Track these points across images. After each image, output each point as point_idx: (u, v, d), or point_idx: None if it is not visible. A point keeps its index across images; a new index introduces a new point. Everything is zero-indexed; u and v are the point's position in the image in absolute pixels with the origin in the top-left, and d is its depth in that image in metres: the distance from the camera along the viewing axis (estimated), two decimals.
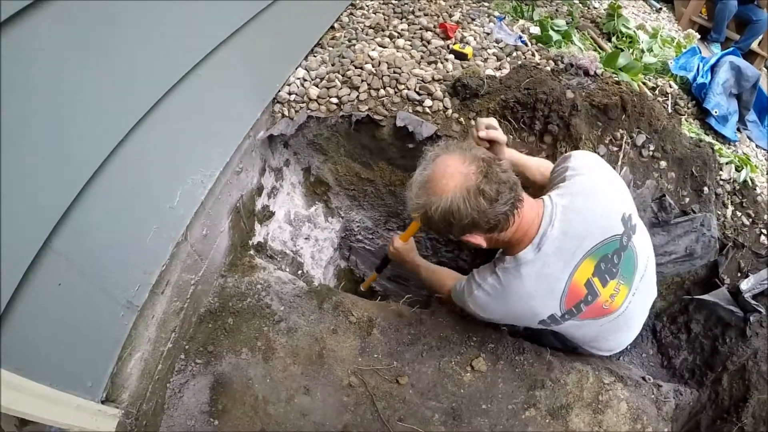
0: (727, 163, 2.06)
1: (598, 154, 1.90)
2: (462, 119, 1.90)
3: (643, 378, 1.79)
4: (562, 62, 2.15)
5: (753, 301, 1.91)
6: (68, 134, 0.97)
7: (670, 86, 2.31)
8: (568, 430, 1.58)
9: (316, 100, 1.92)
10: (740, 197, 2.05)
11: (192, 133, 1.41)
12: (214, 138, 1.54)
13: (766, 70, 3.14)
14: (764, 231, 2.00)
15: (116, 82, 1.07)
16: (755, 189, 2.03)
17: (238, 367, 1.57)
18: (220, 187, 1.61)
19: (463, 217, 1.12)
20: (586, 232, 1.24)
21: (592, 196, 1.28)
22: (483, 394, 1.60)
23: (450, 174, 1.13)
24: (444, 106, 1.92)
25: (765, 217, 2.00)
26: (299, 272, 2.07)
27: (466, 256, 2.38)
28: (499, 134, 1.39)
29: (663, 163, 1.94)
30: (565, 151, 1.88)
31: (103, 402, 1.19)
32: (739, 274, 2.03)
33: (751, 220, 2.01)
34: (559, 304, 1.30)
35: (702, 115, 2.26)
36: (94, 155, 1.04)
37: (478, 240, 1.23)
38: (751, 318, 1.94)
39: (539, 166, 1.58)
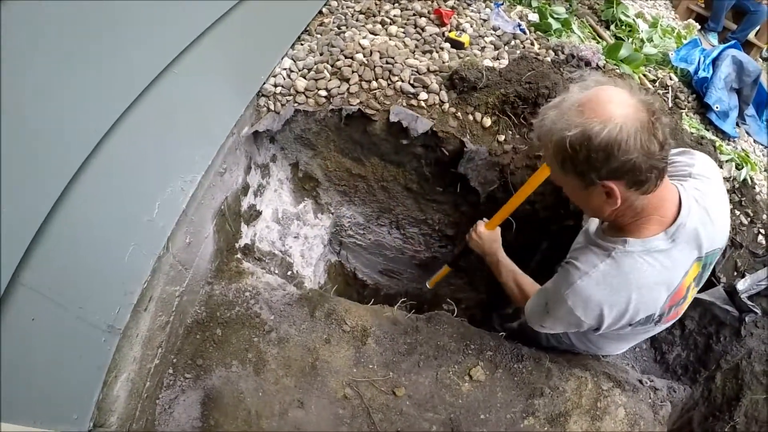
0: (727, 161, 2.01)
1: None
2: (459, 114, 1.80)
3: (640, 381, 1.77)
4: (563, 53, 2.05)
5: (749, 302, 1.90)
6: (28, 154, 0.85)
7: (671, 79, 2.24)
8: None
9: (303, 93, 1.80)
10: (739, 195, 2.01)
11: (169, 137, 1.30)
12: (195, 140, 1.42)
13: (761, 60, 3.10)
14: (762, 231, 1.97)
15: (79, 92, 0.95)
16: (754, 188, 1.99)
17: (229, 381, 1.50)
18: (203, 191, 1.49)
19: (630, 152, 0.92)
20: (708, 238, 1.13)
21: (719, 202, 1.18)
22: (481, 404, 1.55)
23: (618, 101, 0.94)
24: (440, 99, 1.81)
25: (764, 216, 1.97)
26: (289, 273, 1.98)
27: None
28: None
29: None
30: None
31: (90, 431, 1.13)
32: (735, 274, 2.00)
33: (749, 219, 1.98)
34: (663, 304, 1.17)
35: (702, 109, 2.20)
36: (59, 175, 0.93)
37: (616, 194, 1.00)
38: (747, 318, 1.92)
39: None
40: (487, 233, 1.63)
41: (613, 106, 0.93)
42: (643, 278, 1.11)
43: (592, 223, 1.29)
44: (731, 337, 2.00)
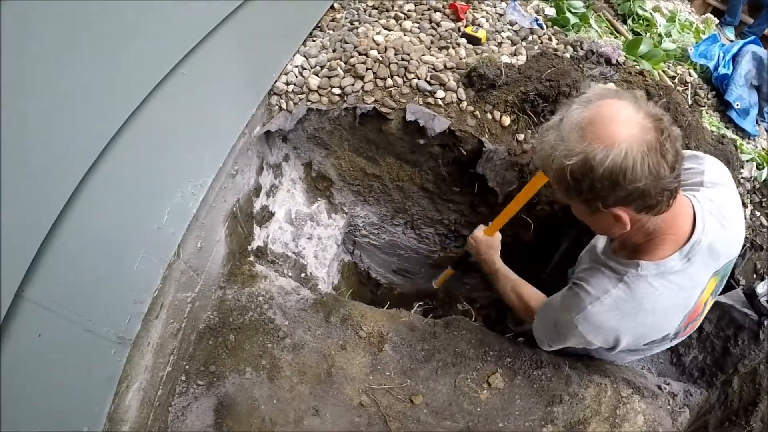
0: (748, 161, 1.96)
1: None
2: (477, 112, 1.75)
3: (659, 387, 1.74)
4: (582, 48, 1.99)
5: None
6: (31, 165, 0.81)
7: (690, 75, 2.18)
8: None
9: (316, 91, 1.74)
10: (760, 196, 1.97)
11: (178, 140, 1.25)
12: (205, 142, 1.37)
13: None
14: None
15: (83, 95, 0.91)
16: None
17: (243, 388, 1.47)
18: (214, 194, 1.45)
19: (637, 179, 0.85)
20: (725, 250, 1.08)
21: (733, 210, 1.13)
22: (500, 412, 1.52)
23: (622, 120, 0.86)
24: (458, 97, 1.76)
25: None
26: (302, 275, 1.94)
27: None
28: None
29: None
30: None
31: None
32: (755, 276, 1.97)
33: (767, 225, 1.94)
34: (679, 323, 1.13)
35: (722, 107, 2.14)
36: (63, 184, 0.89)
37: (624, 219, 0.94)
38: (766, 322, 1.89)
39: None
40: (485, 239, 1.56)
41: (616, 127, 0.86)
42: (658, 302, 1.06)
43: (600, 240, 1.23)
44: (749, 341, 1.97)
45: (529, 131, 1.75)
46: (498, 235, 1.59)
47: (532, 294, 1.46)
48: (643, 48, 2.07)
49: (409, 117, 1.68)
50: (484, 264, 1.56)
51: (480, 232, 1.58)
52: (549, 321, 1.26)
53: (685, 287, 1.07)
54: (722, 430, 1.91)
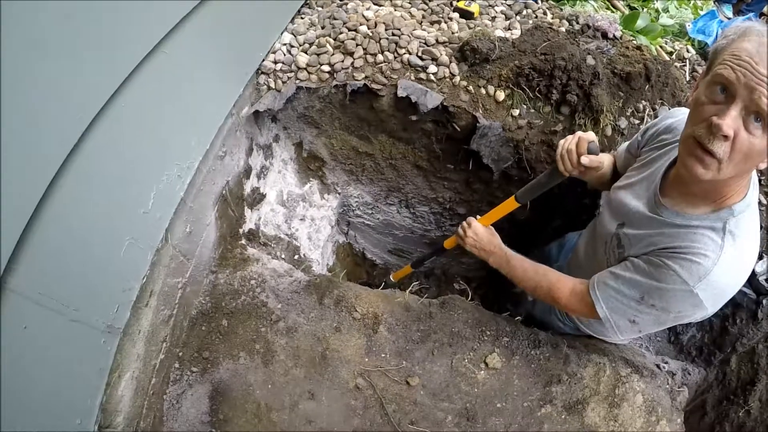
0: None
1: (619, 127, 1.74)
2: (471, 87, 1.70)
3: (658, 366, 1.72)
4: (577, 23, 1.94)
5: (767, 284, 1.84)
6: (8, 150, 0.77)
7: (688, 51, 2.13)
8: (584, 425, 1.51)
9: (305, 69, 1.69)
10: (759, 175, 1.93)
11: (162, 123, 1.20)
12: (190, 124, 1.32)
13: None
14: None
15: (61, 76, 0.86)
16: None
17: (237, 373, 1.43)
18: (202, 176, 1.40)
19: None
20: None
21: None
22: (498, 393, 1.50)
23: None
24: (450, 72, 1.71)
25: None
26: (296, 257, 1.90)
27: None
28: (603, 157, 1.14)
29: None
30: (584, 124, 1.72)
31: None
32: None
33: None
34: None
35: None
36: (43, 170, 0.85)
37: None
38: (764, 301, 1.87)
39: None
40: (484, 230, 1.45)
41: None
42: (755, 239, 1.00)
43: (647, 207, 1.11)
44: (747, 320, 1.95)
45: (524, 106, 1.70)
46: (491, 227, 1.48)
47: (556, 275, 1.31)
48: (640, 23, 2.02)
49: (401, 93, 1.64)
50: (491, 256, 1.42)
51: (478, 224, 1.46)
52: (634, 292, 1.10)
53: (756, 221, 1.02)
54: (720, 409, 1.90)
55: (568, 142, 1.19)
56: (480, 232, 1.44)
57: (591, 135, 1.17)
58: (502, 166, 1.76)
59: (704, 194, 1.02)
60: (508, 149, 1.73)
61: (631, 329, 1.15)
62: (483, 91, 1.70)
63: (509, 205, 1.40)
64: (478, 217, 1.52)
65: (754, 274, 1.90)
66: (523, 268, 1.35)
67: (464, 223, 1.51)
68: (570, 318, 1.57)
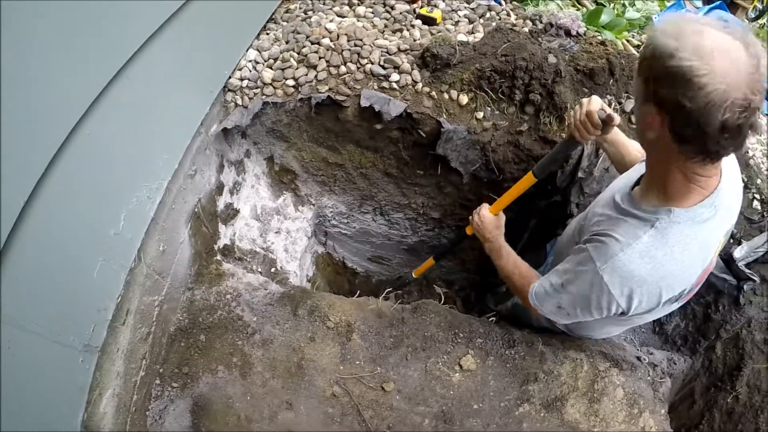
0: None
1: None
2: (434, 93, 1.72)
3: (638, 358, 1.71)
4: (541, 22, 1.96)
5: (746, 270, 1.83)
6: None
7: None
8: (563, 422, 1.51)
9: (271, 84, 1.72)
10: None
11: (129, 146, 1.23)
12: (158, 144, 1.36)
13: (747, 21, 2.99)
14: (757, 196, 1.90)
15: (26, 105, 0.90)
16: (747, 152, 1.91)
17: (216, 387, 1.46)
18: (172, 196, 1.43)
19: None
20: (735, 206, 1.05)
21: (736, 172, 1.09)
22: (474, 394, 1.50)
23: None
24: (413, 79, 1.73)
25: (758, 181, 1.90)
26: (272, 270, 1.92)
27: (448, 234, 2.25)
28: (616, 116, 1.17)
29: None
30: (549, 122, 1.73)
31: None
32: (731, 241, 1.94)
33: (743, 184, 1.90)
34: (695, 280, 1.06)
35: None
36: (13, 197, 0.88)
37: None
38: (745, 286, 1.86)
39: (634, 144, 1.36)
40: (491, 218, 1.50)
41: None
42: (686, 252, 0.99)
43: (617, 194, 1.14)
44: (730, 306, 1.94)
45: (488, 108, 1.72)
46: (502, 215, 1.53)
47: (531, 273, 1.39)
48: (604, 18, 2.03)
49: (364, 102, 1.66)
50: (488, 243, 1.49)
51: (487, 210, 1.52)
52: (556, 279, 1.18)
53: (708, 240, 1.01)
54: (708, 396, 1.89)
55: (578, 113, 1.21)
56: (486, 219, 1.50)
57: (597, 102, 1.19)
58: (470, 169, 1.78)
59: (650, 182, 1.04)
60: (474, 152, 1.74)
61: (559, 314, 1.22)
62: (446, 96, 1.72)
63: (527, 181, 1.42)
64: (488, 205, 1.55)
65: (733, 259, 1.90)
66: (507, 261, 1.42)
67: (478, 208, 1.57)
68: None
